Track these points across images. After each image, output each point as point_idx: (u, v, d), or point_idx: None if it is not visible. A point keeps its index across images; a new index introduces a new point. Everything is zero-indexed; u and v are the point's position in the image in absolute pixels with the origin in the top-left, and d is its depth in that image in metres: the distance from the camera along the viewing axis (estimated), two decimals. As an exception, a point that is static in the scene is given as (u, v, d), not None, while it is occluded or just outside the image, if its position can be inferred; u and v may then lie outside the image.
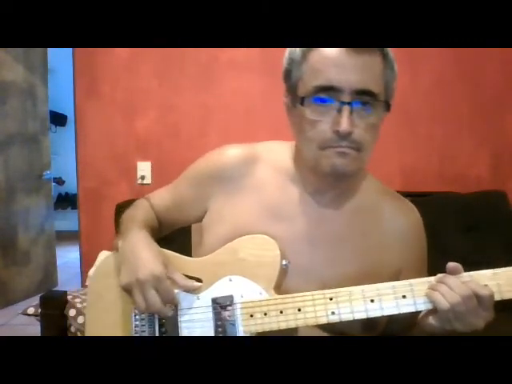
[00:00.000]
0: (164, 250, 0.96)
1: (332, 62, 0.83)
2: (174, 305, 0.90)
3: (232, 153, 0.99)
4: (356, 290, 0.82)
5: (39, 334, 1.73)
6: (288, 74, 0.89)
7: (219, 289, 0.90)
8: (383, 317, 0.82)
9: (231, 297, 0.88)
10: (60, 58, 3.83)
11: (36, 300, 1.83)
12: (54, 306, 1.75)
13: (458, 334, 0.79)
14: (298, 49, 0.87)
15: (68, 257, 4.34)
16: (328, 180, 0.89)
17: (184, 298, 0.91)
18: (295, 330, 0.85)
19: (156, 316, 0.92)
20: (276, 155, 0.98)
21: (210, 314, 0.89)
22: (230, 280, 0.89)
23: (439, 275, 0.80)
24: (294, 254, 0.89)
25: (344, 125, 0.81)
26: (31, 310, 1.84)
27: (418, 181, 2.29)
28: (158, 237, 1.04)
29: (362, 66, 0.83)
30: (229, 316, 0.88)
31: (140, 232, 0.95)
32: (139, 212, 1.04)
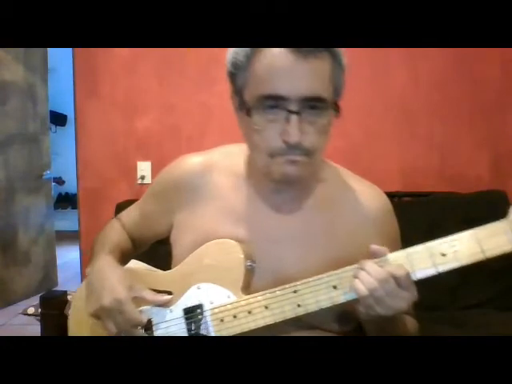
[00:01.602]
0: (134, 267, 0.99)
1: (278, 70, 0.80)
2: (142, 324, 0.90)
3: (188, 163, 0.99)
4: (318, 278, 0.82)
5: (39, 334, 1.73)
6: (233, 77, 0.87)
7: (189, 298, 0.91)
8: (348, 303, 0.82)
9: (201, 304, 0.89)
10: (60, 58, 3.84)
11: (36, 300, 1.83)
12: (54, 305, 1.75)
13: (385, 319, 0.80)
14: (241, 52, 0.84)
15: (68, 257, 4.34)
16: (281, 185, 0.89)
17: (157, 313, 0.92)
18: (272, 328, 0.85)
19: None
20: (232, 159, 0.98)
21: (183, 325, 0.91)
22: (199, 288, 0.90)
23: (361, 261, 0.80)
24: (259, 255, 0.90)
25: (292, 135, 0.80)
26: (31, 310, 1.84)
27: (418, 181, 2.29)
28: (135, 254, 1.08)
29: (309, 73, 0.80)
30: (201, 324, 0.89)
31: (106, 258, 0.96)
32: (109, 235, 1.05)
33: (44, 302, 1.75)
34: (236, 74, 0.86)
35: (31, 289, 3.57)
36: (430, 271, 0.78)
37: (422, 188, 2.24)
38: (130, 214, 1.10)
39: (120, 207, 1.97)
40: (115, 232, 1.07)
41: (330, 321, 0.89)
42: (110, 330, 0.90)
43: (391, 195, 2.23)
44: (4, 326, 3.08)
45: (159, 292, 0.92)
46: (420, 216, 2.02)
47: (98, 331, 0.95)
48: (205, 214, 0.95)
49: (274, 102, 0.81)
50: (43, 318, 1.74)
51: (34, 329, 1.85)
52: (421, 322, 0.93)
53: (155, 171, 2.33)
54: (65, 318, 1.74)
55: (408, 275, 0.78)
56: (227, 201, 0.95)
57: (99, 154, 2.37)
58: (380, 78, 2.29)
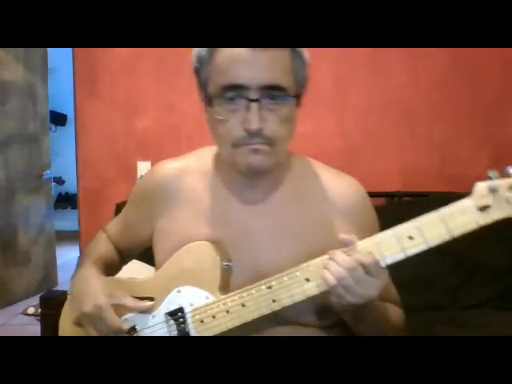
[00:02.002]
0: (117, 277, 1.01)
1: (237, 60, 0.82)
2: (123, 330, 0.91)
3: (163, 170, 1.01)
4: (290, 272, 0.83)
5: (39, 334, 1.73)
6: (197, 73, 0.90)
7: (170, 302, 0.92)
8: (322, 295, 0.82)
9: (182, 308, 0.90)
10: (60, 58, 3.84)
11: (36, 300, 1.83)
12: (54, 305, 1.74)
13: (359, 309, 0.80)
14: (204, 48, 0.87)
15: (68, 257, 4.33)
16: (249, 177, 0.90)
17: (141, 320, 0.94)
18: (252, 325, 0.86)
19: None
20: (204, 161, 0.99)
21: (165, 329, 0.92)
22: (179, 291, 0.91)
23: (330, 251, 0.80)
24: (237, 254, 0.91)
25: (253, 122, 0.81)
26: (31, 310, 1.84)
27: (418, 181, 2.29)
28: (123, 264, 1.11)
29: (268, 62, 0.82)
30: (182, 327, 0.90)
31: (87, 268, 0.98)
32: (94, 246, 1.08)
33: (44, 302, 1.75)
34: (200, 69, 0.88)
35: (31, 289, 3.57)
36: (398, 256, 0.79)
37: (422, 188, 2.24)
38: (114, 225, 1.12)
39: (120, 207, 1.96)
40: (100, 243, 1.09)
41: (308, 315, 0.89)
42: (91, 335, 0.91)
43: (391, 195, 2.24)
44: (4, 326, 3.08)
45: (141, 299, 0.94)
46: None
47: None
48: (181, 218, 0.97)
49: (235, 91, 0.82)
50: (43, 318, 1.74)
51: (34, 329, 1.85)
52: (421, 322, 0.93)
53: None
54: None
55: (376, 262, 0.78)
56: (201, 203, 0.96)
57: (99, 154, 2.38)
58: (380, 78, 2.29)
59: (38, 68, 3.61)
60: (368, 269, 0.78)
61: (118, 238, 1.09)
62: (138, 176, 2.35)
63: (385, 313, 0.91)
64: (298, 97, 0.86)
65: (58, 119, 5.39)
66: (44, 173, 3.70)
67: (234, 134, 0.84)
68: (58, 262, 3.97)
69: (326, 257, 0.81)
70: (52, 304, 1.75)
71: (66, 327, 1.02)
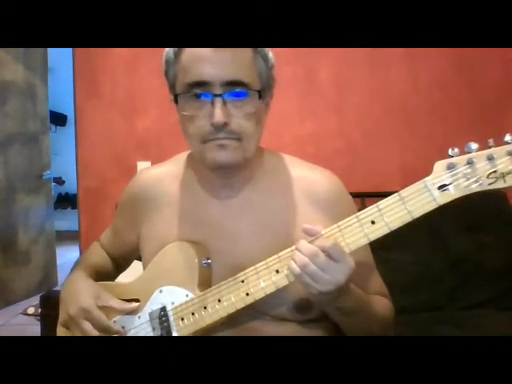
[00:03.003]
0: (102, 282, 1.02)
1: (200, 58, 0.85)
2: (112, 329, 0.93)
3: (143, 176, 1.06)
4: (261, 264, 0.84)
5: (39, 334, 1.73)
6: (166, 75, 0.93)
7: (154, 302, 0.94)
8: (297, 288, 0.82)
9: (164, 307, 0.92)
10: (60, 58, 3.84)
11: (36, 300, 1.83)
12: (54, 305, 1.75)
13: (333, 299, 0.81)
14: (171, 49, 0.90)
15: (68, 257, 4.34)
16: (220, 173, 0.92)
17: (128, 321, 0.96)
18: (232, 320, 0.87)
19: None
20: (179, 164, 1.02)
21: (149, 329, 0.94)
22: (161, 291, 0.94)
23: (296, 242, 0.81)
24: (216, 252, 0.92)
25: (217, 116, 0.83)
26: (31, 310, 1.85)
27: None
28: (120, 271, 1.14)
29: (229, 59, 0.85)
30: (165, 325, 0.92)
31: (76, 273, 1.02)
32: (87, 255, 1.12)
33: (44, 302, 1.75)
34: (168, 70, 0.92)
35: (31, 289, 3.57)
36: (362, 241, 0.79)
37: (422, 188, 2.24)
38: (106, 233, 1.15)
39: (120, 207, 1.97)
40: (93, 252, 1.13)
41: (287, 309, 0.90)
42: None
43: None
44: (4, 326, 3.08)
45: (128, 301, 0.96)
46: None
47: None
48: (161, 221, 0.99)
49: (200, 88, 0.85)
50: (43, 318, 1.74)
51: (34, 329, 1.85)
52: (421, 322, 0.93)
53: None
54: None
55: (337, 246, 0.78)
56: (178, 205, 0.98)
57: (99, 154, 2.38)
58: (380, 78, 2.29)
59: (38, 68, 3.61)
60: (330, 254, 0.78)
61: (109, 246, 1.13)
62: (138, 176, 2.35)
63: (369, 304, 0.91)
64: (261, 93, 0.88)
65: (58, 119, 5.40)
66: (44, 173, 3.70)
67: (201, 130, 0.86)
68: (58, 261, 3.97)
69: (293, 247, 0.82)
70: (52, 304, 1.75)
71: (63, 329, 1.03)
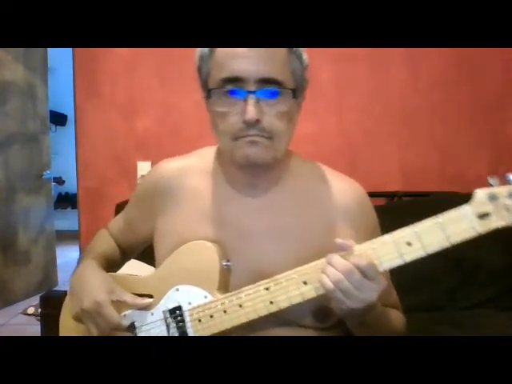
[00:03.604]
0: (116, 274, 1.00)
1: (235, 55, 0.84)
2: (122, 326, 0.92)
3: (165, 168, 1.02)
4: (288, 274, 0.83)
5: (39, 334, 1.73)
6: (199, 71, 0.92)
7: (169, 300, 0.92)
8: (320, 298, 0.82)
9: (180, 306, 0.91)
10: (60, 58, 3.84)
11: (36, 300, 1.83)
12: (54, 305, 1.74)
13: (361, 313, 0.80)
14: None
15: (68, 257, 4.34)
16: (249, 171, 0.90)
17: (139, 316, 0.94)
18: (250, 325, 0.86)
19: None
20: (206, 160, 1.00)
21: (163, 327, 0.92)
22: (177, 290, 0.92)
23: (328, 255, 0.80)
24: (236, 253, 0.91)
25: (249, 113, 0.82)
26: (31, 310, 1.85)
27: (418, 181, 2.29)
28: (126, 261, 1.11)
29: (264, 56, 0.84)
30: (180, 325, 0.90)
31: (88, 263, 0.99)
32: (96, 243, 1.09)
33: (44, 302, 1.75)
34: (202, 66, 0.90)
35: (31, 289, 3.57)
36: (396, 261, 0.78)
37: (422, 188, 2.24)
38: (116, 222, 1.13)
39: (120, 207, 1.97)
40: (102, 240, 1.10)
41: (307, 316, 0.89)
42: (90, 331, 0.92)
43: (391, 195, 2.24)
44: (4, 326, 3.08)
45: (140, 296, 0.94)
46: (420, 216, 2.01)
47: (85, 334, 0.96)
48: (182, 216, 0.97)
49: (234, 84, 0.84)
50: (43, 318, 1.74)
51: (34, 329, 1.85)
52: (421, 322, 0.92)
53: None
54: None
55: (373, 265, 0.78)
56: (202, 201, 0.96)
57: (99, 154, 2.37)
58: (380, 78, 2.29)
59: (38, 68, 3.61)
60: (365, 272, 0.77)
61: (119, 235, 1.10)
62: (138, 176, 2.35)
63: (387, 318, 0.91)
64: (295, 93, 0.87)
65: (58, 119, 5.40)
66: (44, 173, 3.70)
67: (232, 127, 0.85)
68: (58, 261, 3.97)
69: (323, 260, 0.81)
70: (52, 304, 1.75)
71: (67, 323, 1.02)
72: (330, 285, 0.78)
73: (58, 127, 5.43)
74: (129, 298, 0.93)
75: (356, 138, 2.30)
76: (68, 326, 1.02)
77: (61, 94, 4.31)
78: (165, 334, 0.92)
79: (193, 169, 0.99)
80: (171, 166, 1.01)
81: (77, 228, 2.44)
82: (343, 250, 0.80)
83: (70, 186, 5.27)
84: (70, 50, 2.42)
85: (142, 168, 2.35)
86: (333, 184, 0.95)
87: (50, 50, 3.73)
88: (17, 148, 3.45)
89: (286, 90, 0.85)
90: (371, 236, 0.83)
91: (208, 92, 0.88)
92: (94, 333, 0.91)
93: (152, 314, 0.93)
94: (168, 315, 0.92)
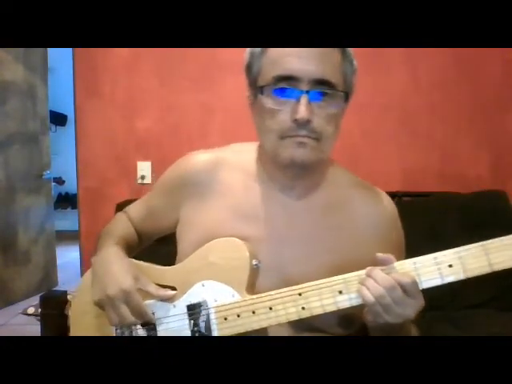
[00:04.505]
0: (137, 261, 0.97)
1: (291, 53, 0.84)
2: (148, 317, 0.91)
3: (198, 159, 0.99)
4: (323, 282, 0.82)
5: (39, 334, 1.73)
6: (249, 68, 0.90)
7: (193, 295, 0.91)
8: (359, 310, 0.82)
9: (205, 302, 0.89)
10: (60, 58, 3.84)
11: (36, 300, 1.83)
12: (54, 305, 1.75)
13: (392, 327, 0.79)
14: None
15: (68, 257, 4.34)
16: (290, 172, 0.89)
17: (160, 308, 0.93)
18: (274, 329, 0.85)
19: (134, 328, 0.93)
20: (242, 157, 0.98)
21: (186, 321, 0.91)
22: (203, 285, 0.90)
23: (368, 268, 0.80)
24: (265, 254, 0.90)
25: (302, 112, 0.82)
26: (31, 310, 1.84)
27: (418, 181, 2.29)
28: (140, 248, 1.08)
29: (320, 57, 0.84)
30: (204, 321, 0.89)
31: (112, 247, 0.97)
32: (116, 227, 1.06)
33: (44, 302, 1.75)
34: (252, 64, 0.89)
35: (31, 289, 3.57)
36: (436, 281, 0.79)
37: (422, 188, 2.24)
38: (136, 208, 1.10)
39: (120, 207, 1.97)
40: (122, 224, 1.07)
41: (332, 323, 0.89)
42: (111, 319, 0.90)
43: (391, 195, 2.23)
44: (4, 326, 3.08)
45: (163, 287, 0.92)
46: (420, 216, 2.02)
47: (101, 323, 0.95)
48: (212, 210, 0.95)
49: (286, 83, 0.83)
50: (43, 318, 1.74)
51: (34, 329, 1.85)
52: (421, 322, 0.92)
53: (155, 171, 2.33)
54: (65, 317, 1.75)
55: (415, 283, 0.78)
56: (235, 198, 0.95)
57: (99, 154, 2.37)
58: (380, 78, 2.29)
59: (38, 68, 3.61)
60: (407, 289, 0.77)
61: (139, 221, 1.08)
62: (138, 176, 2.35)
63: (409, 331, 0.90)
64: (345, 95, 0.88)
65: (58, 119, 5.39)
66: (44, 173, 3.70)
67: (281, 125, 0.84)
68: (58, 262, 3.97)
69: (361, 272, 0.81)
70: (52, 304, 1.75)
71: (82, 309, 1.00)
72: (371, 298, 0.78)
73: (58, 127, 5.43)
74: (152, 288, 0.91)
75: (356, 138, 2.30)
76: (83, 313, 0.99)
77: (61, 94, 4.31)
78: (187, 328, 0.90)
79: (226, 163, 0.98)
80: (203, 158, 0.99)
81: (77, 228, 2.44)
82: (384, 264, 0.80)
83: (70, 185, 5.27)
84: (69, 50, 2.42)
85: (141, 168, 2.35)
86: (365, 195, 0.95)
87: (49, 50, 3.73)
88: (17, 148, 3.45)
89: (338, 92, 0.85)
90: (397, 249, 0.85)
91: (259, 89, 0.87)
92: (114, 320, 0.89)
93: (174, 306, 0.92)
94: (192, 310, 0.90)
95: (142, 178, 2.35)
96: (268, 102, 0.85)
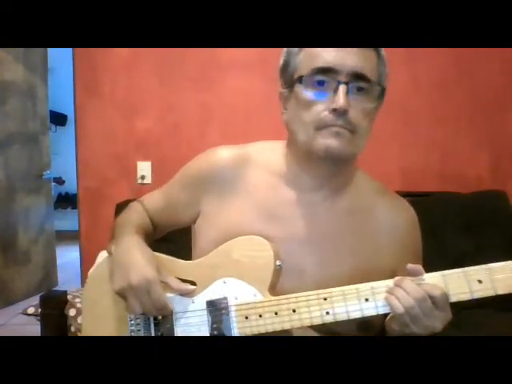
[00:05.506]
0: (157, 254, 0.96)
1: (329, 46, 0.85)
2: (169, 309, 0.90)
3: (223, 155, 0.98)
4: (350, 288, 0.82)
5: (39, 334, 1.73)
6: (286, 66, 0.90)
7: (214, 291, 0.89)
8: (378, 316, 0.82)
9: (226, 299, 0.88)
10: (60, 58, 3.84)
11: (36, 300, 1.83)
12: (54, 305, 1.75)
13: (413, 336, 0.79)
14: None
15: (68, 257, 4.33)
16: (323, 166, 0.89)
17: (179, 302, 0.91)
18: (289, 331, 0.85)
19: (152, 320, 0.92)
20: (268, 155, 0.98)
21: (204, 317, 0.90)
22: (225, 282, 0.89)
23: (397, 278, 0.80)
24: (287, 255, 0.89)
25: (340, 101, 0.82)
26: (31, 310, 1.84)
27: (418, 181, 2.29)
28: (153, 239, 1.05)
29: (359, 52, 0.85)
30: (224, 318, 0.88)
31: (133, 236, 0.95)
32: (133, 216, 1.04)
33: (44, 302, 1.75)
34: (289, 62, 0.90)
35: (31, 289, 3.57)
36: (465, 296, 0.78)
37: (422, 188, 2.24)
38: (153, 199, 1.08)
39: (120, 207, 1.97)
40: (138, 214, 1.05)
41: (352, 328, 0.88)
42: (133, 309, 0.89)
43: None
44: (4, 326, 3.08)
45: (182, 281, 0.91)
46: (420, 216, 2.01)
47: (115, 312, 0.94)
48: (235, 207, 0.95)
49: (325, 75, 0.84)
50: (43, 318, 1.74)
51: (34, 329, 1.85)
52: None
53: (155, 171, 2.33)
54: (65, 317, 1.75)
55: (445, 295, 0.78)
56: (259, 197, 0.94)
57: (99, 154, 2.38)
58: (380, 78, 2.29)
59: (38, 68, 3.61)
60: (436, 302, 0.77)
61: (156, 213, 1.06)
62: (138, 176, 2.35)
63: None
64: (381, 92, 0.89)
65: (58, 119, 5.39)
66: (44, 173, 3.69)
67: (318, 115, 0.85)
68: (58, 261, 3.97)
69: (389, 281, 0.81)
70: (52, 304, 1.75)
71: (98, 297, 0.98)
72: (400, 308, 0.77)
73: (58, 127, 5.43)
74: (173, 281, 0.90)
75: (356, 138, 2.30)
76: (100, 302, 0.98)
77: (61, 94, 4.30)
78: (205, 324, 0.89)
79: (251, 161, 0.97)
80: (228, 154, 0.98)
81: (77, 228, 2.44)
82: (414, 275, 0.80)
83: (70, 186, 5.26)
84: (69, 50, 2.42)
85: (141, 168, 2.35)
86: (388, 201, 0.97)
87: (49, 49, 3.73)
88: (17, 148, 3.45)
89: (375, 87, 0.87)
90: (416, 256, 0.87)
91: (298, 79, 0.87)
92: (135, 310, 0.89)
93: (193, 301, 0.91)
94: (213, 307, 0.89)
95: (142, 177, 2.35)
96: (306, 92, 0.86)
